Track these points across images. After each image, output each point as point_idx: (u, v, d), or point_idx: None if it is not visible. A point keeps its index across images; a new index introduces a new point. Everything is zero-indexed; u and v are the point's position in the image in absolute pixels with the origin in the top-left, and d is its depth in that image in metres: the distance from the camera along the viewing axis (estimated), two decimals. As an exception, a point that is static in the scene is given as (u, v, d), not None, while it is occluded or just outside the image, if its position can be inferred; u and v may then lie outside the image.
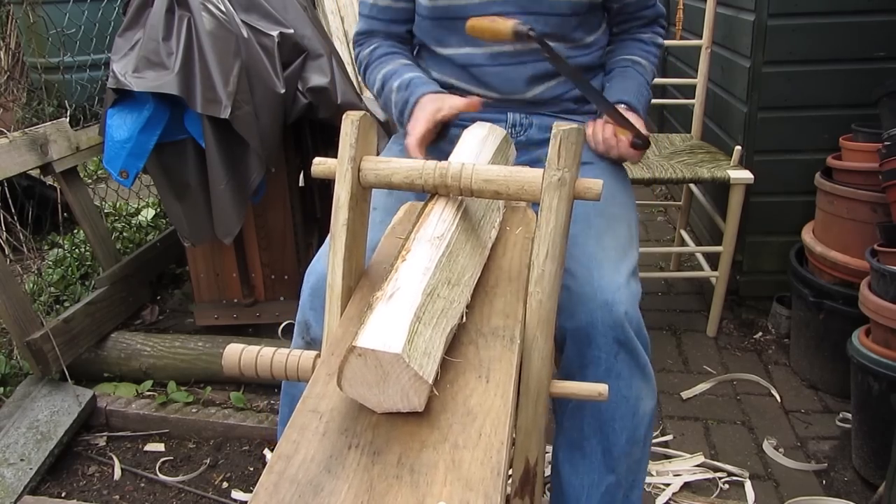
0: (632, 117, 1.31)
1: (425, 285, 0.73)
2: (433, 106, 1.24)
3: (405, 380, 0.65)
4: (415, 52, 1.50)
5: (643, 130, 1.30)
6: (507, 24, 1.21)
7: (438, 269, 0.77)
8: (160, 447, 1.91)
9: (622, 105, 1.33)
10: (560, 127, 0.79)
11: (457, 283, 0.80)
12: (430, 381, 0.66)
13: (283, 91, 1.94)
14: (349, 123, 0.83)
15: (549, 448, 1.76)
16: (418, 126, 1.22)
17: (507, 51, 1.33)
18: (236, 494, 1.74)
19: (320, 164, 0.87)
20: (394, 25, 1.44)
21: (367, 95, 2.54)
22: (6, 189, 2.24)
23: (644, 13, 1.45)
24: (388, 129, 2.28)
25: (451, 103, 1.25)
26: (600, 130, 1.31)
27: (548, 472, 1.71)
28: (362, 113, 0.83)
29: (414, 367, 0.64)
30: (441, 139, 1.32)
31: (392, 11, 1.42)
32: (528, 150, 1.38)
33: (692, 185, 2.57)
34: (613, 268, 1.14)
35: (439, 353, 0.70)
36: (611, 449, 1.13)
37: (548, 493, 1.64)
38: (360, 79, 2.14)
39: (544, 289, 0.82)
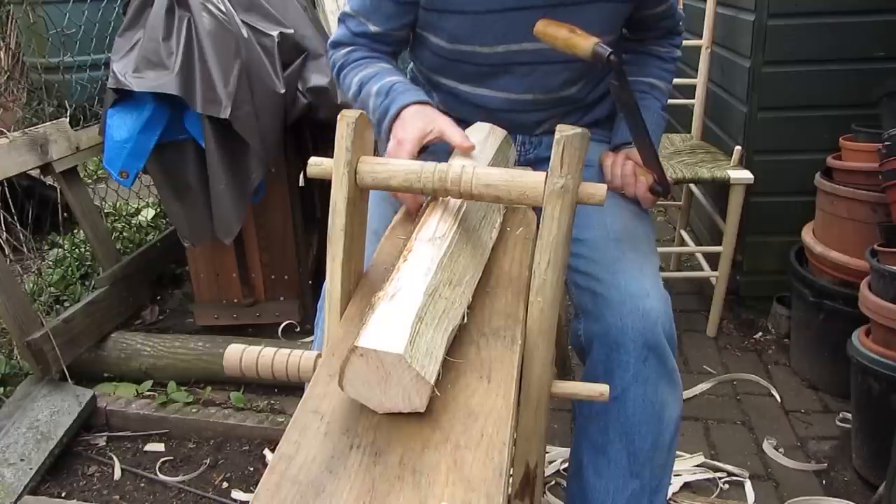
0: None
1: (427, 286, 0.73)
2: (421, 124, 1.09)
3: (407, 380, 0.65)
4: (411, 78, 1.44)
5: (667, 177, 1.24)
6: (587, 42, 1.09)
7: (440, 269, 0.77)
8: (160, 447, 1.90)
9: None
10: (563, 132, 0.77)
11: (458, 284, 0.80)
12: (432, 382, 0.66)
13: (283, 91, 1.94)
14: (345, 124, 0.81)
15: (550, 449, 1.76)
16: (403, 150, 1.07)
17: (527, 99, 1.29)
18: (236, 494, 1.74)
19: (316, 165, 0.86)
20: (377, 44, 1.31)
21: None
22: (6, 189, 2.24)
23: (663, 24, 1.37)
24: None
25: (440, 127, 1.08)
26: (620, 165, 1.25)
27: (549, 471, 1.71)
28: (359, 112, 0.82)
29: (416, 367, 0.64)
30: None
31: (383, 37, 1.30)
32: (536, 166, 1.36)
33: (692, 185, 2.57)
34: (639, 272, 1.13)
35: (441, 353, 0.70)
36: (636, 454, 1.12)
37: (547, 493, 1.64)
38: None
39: (546, 297, 0.82)
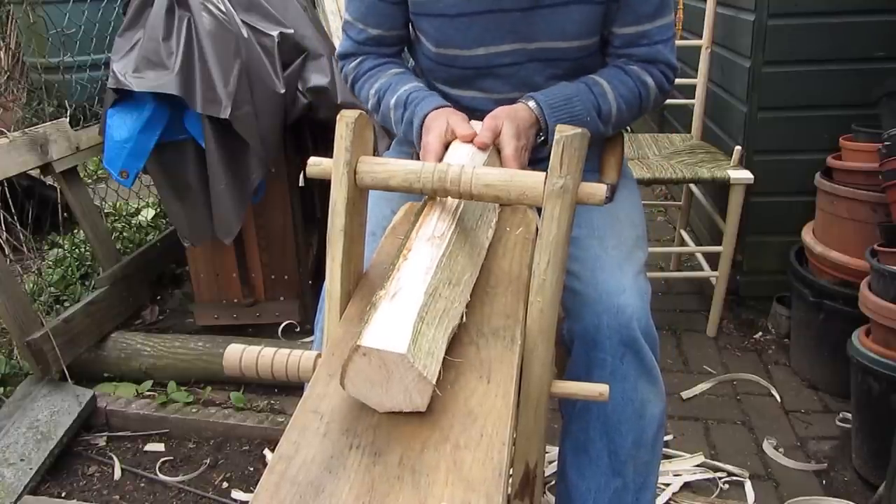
0: (522, 109, 1.15)
1: (427, 285, 0.73)
2: (439, 126, 1.11)
3: (409, 380, 0.65)
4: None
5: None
6: None
7: (439, 269, 0.77)
8: (160, 447, 1.91)
9: (532, 101, 1.17)
10: (563, 132, 0.78)
11: (457, 284, 0.80)
12: (434, 382, 0.66)
13: (283, 91, 1.94)
14: (344, 125, 0.81)
15: (550, 449, 1.76)
16: (429, 155, 1.08)
17: (514, 98, 1.26)
18: (236, 494, 1.74)
19: (316, 165, 0.86)
20: (383, 48, 1.34)
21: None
22: (6, 189, 2.23)
23: (636, 51, 1.23)
24: (389, 130, 2.28)
25: (452, 125, 1.11)
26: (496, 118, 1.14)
27: (549, 471, 1.71)
28: (358, 113, 0.82)
29: (418, 367, 0.64)
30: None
31: (385, 38, 1.32)
32: (536, 167, 1.36)
33: (692, 185, 2.57)
34: (618, 269, 1.13)
35: (441, 353, 0.70)
36: (617, 452, 1.13)
37: (547, 493, 1.64)
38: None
39: (546, 297, 0.82)
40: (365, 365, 0.65)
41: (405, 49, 1.40)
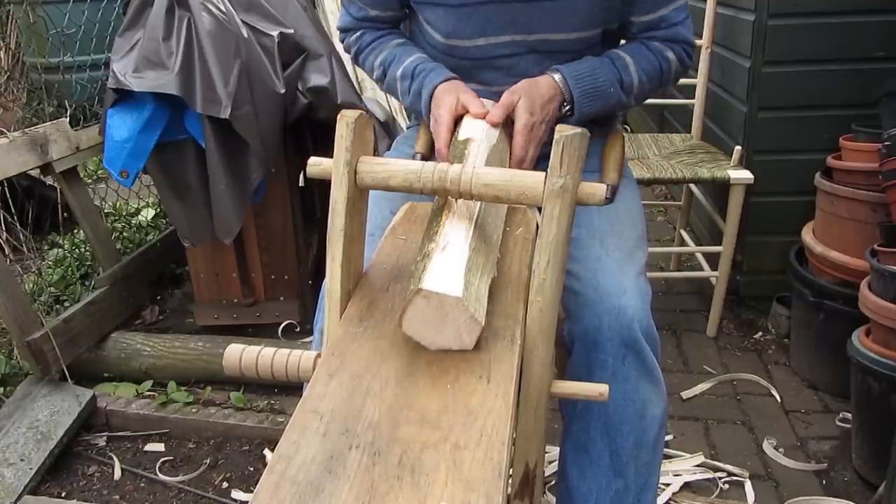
0: (544, 82, 1.18)
1: (469, 240, 0.82)
2: (451, 100, 1.16)
3: (462, 321, 0.74)
4: None
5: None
6: None
7: (476, 227, 0.86)
8: (160, 447, 1.91)
9: (557, 73, 1.20)
10: (563, 132, 0.78)
11: (489, 242, 0.88)
12: (483, 323, 0.75)
13: (283, 91, 1.94)
14: (344, 124, 0.82)
15: (550, 449, 1.76)
16: (442, 126, 1.14)
17: None
18: (236, 494, 1.74)
19: (316, 165, 0.86)
20: (381, 24, 1.40)
21: (367, 95, 2.54)
22: (6, 189, 2.23)
23: (656, 33, 1.29)
24: (388, 130, 2.28)
25: (464, 101, 1.15)
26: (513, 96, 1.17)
27: (549, 471, 1.71)
28: (358, 113, 0.82)
29: (471, 309, 0.73)
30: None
31: (383, 18, 1.38)
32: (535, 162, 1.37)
33: (692, 185, 2.57)
34: (619, 270, 1.13)
35: (485, 300, 0.78)
36: (618, 452, 1.13)
37: (547, 493, 1.64)
38: (356, 71, 2.14)
39: (545, 297, 0.82)
40: (424, 306, 0.73)
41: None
